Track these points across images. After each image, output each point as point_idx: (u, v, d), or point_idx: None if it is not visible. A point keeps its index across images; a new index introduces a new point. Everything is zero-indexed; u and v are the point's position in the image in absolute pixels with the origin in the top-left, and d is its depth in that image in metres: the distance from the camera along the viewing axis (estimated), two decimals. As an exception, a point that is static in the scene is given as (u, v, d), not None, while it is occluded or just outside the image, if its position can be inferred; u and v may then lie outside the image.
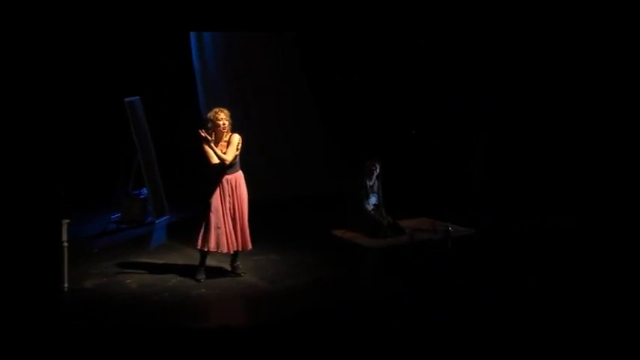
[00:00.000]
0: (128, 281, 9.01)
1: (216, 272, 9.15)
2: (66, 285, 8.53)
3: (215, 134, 8.81)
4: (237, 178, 8.91)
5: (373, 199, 10.63)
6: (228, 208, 8.84)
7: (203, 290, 8.69)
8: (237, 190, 8.87)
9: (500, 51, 12.29)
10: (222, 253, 9.03)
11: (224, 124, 8.78)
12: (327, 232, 10.64)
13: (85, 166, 12.11)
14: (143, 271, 9.31)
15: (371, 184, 10.57)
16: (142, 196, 11.63)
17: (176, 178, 12.21)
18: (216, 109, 8.87)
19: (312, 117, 13.13)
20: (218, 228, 8.78)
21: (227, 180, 8.84)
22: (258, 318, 8.08)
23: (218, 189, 8.81)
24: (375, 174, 10.58)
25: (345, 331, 7.19)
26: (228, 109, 8.94)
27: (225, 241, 8.82)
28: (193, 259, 9.15)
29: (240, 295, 8.62)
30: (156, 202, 11.71)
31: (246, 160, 9.17)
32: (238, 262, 9.16)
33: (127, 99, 11.50)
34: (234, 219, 8.87)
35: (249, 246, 9.02)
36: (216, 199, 8.80)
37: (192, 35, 12.38)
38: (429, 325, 7.41)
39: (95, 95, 12.51)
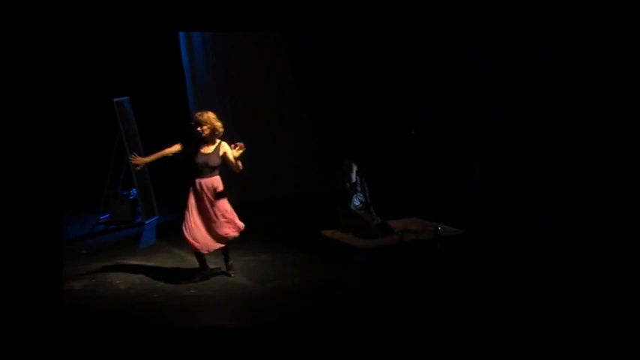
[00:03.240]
0: (117, 282, 8.94)
1: (206, 273, 9.02)
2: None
3: (201, 137, 8.64)
4: (215, 181, 8.72)
5: (357, 199, 10.45)
6: (206, 208, 8.68)
7: (192, 291, 8.60)
8: (216, 192, 8.70)
9: (499, 50, 12.26)
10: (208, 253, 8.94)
11: (212, 125, 8.59)
12: (317, 233, 10.54)
13: (73, 167, 12.01)
14: (132, 272, 9.23)
15: (351, 183, 10.40)
16: (131, 197, 11.61)
17: (166, 179, 12.04)
18: (209, 113, 8.68)
19: (302, 117, 13.06)
20: (195, 225, 8.66)
21: (203, 183, 8.65)
22: (247, 319, 7.97)
23: (193, 191, 8.69)
24: (353, 173, 10.40)
25: (334, 333, 7.14)
26: (215, 112, 8.78)
27: (202, 240, 8.68)
28: (182, 260, 9.12)
29: (229, 296, 8.53)
30: (145, 202, 11.70)
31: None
32: (231, 262, 9.08)
33: (115, 99, 11.49)
34: (211, 219, 8.71)
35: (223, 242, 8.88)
36: (194, 200, 8.67)
37: (181, 35, 12.31)
38: (425, 325, 7.34)
39: (84, 95, 12.44)
